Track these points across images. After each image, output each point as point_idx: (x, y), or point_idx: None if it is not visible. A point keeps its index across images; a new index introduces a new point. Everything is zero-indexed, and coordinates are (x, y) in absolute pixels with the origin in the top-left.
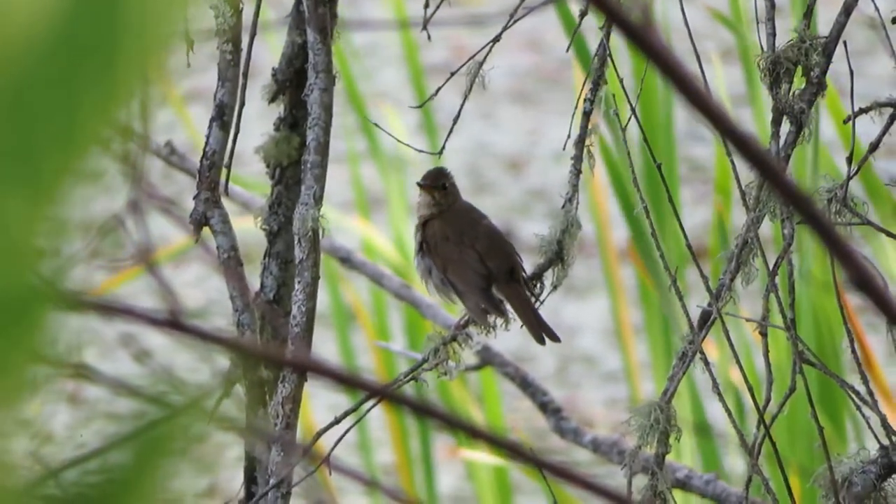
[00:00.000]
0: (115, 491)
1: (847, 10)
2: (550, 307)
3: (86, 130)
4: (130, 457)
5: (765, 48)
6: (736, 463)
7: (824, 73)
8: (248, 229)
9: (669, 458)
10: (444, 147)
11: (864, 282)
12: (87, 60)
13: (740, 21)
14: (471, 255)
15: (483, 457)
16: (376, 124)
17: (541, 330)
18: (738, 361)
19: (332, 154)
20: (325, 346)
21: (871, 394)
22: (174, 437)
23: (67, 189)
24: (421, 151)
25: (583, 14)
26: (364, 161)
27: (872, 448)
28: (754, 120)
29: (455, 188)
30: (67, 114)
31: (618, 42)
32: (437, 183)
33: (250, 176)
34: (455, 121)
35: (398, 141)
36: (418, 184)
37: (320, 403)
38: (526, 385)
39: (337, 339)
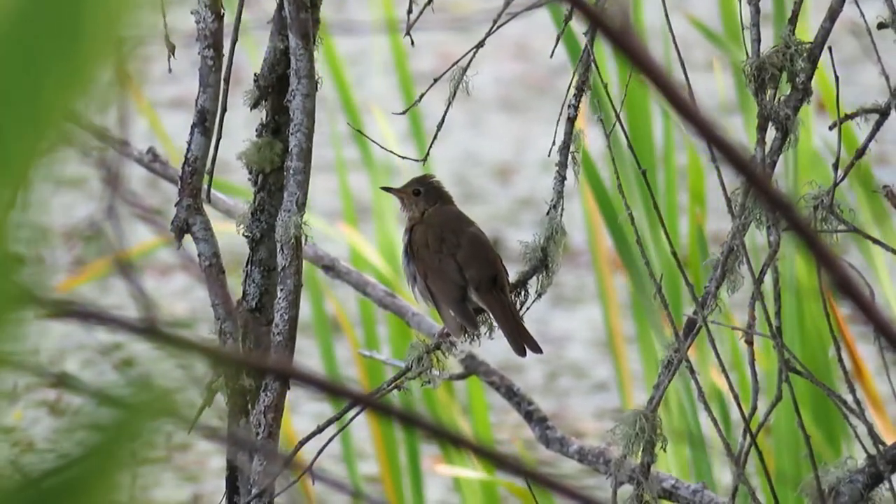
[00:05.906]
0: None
1: (832, 16)
2: (538, 317)
3: (51, 109)
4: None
5: (750, 54)
6: (727, 473)
7: (810, 78)
8: (231, 236)
9: (658, 467)
10: (427, 154)
11: (848, 288)
12: (51, 38)
13: (733, 29)
14: (450, 264)
15: (467, 471)
16: (359, 131)
17: (521, 340)
18: (723, 370)
19: (321, 162)
20: (307, 356)
21: (858, 403)
22: (135, 436)
23: (36, 170)
24: (405, 158)
25: (567, 19)
26: (356, 169)
27: (861, 457)
28: (745, 127)
29: (432, 193)
30: (33, 93)
31: (606, 49)
32: (408, 188)
33: (233, 182)
34: (439, 127)
35: (382, 148)
36: (381, 188)
37: (304, 413)
38: (511, 394)
39: (320, 348)
